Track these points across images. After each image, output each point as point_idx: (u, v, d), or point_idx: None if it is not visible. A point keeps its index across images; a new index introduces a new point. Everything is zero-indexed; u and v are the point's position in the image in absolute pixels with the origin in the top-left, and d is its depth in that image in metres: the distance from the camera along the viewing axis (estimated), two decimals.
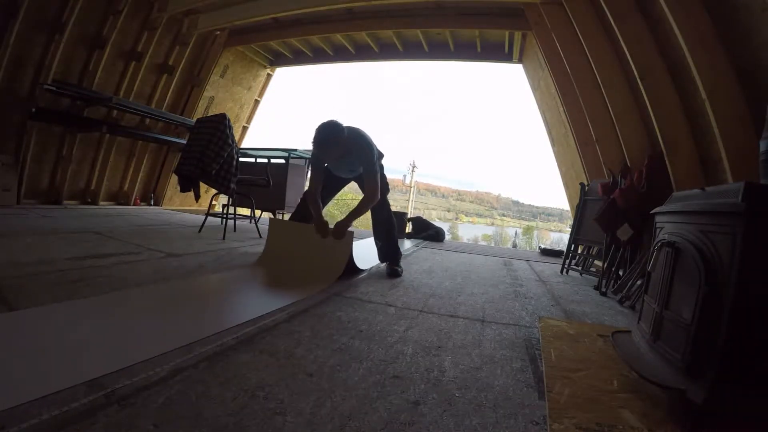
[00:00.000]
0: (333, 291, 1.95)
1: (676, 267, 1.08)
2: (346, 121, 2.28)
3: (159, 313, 1.39)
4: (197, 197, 3.48)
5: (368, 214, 2.62)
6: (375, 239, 2.62)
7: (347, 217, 2.30)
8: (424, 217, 5.58)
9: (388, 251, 2.57)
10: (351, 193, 2.89)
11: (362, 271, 2.46)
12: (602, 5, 2.80)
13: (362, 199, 2.33)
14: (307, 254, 2.29)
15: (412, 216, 5.54)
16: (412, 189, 43.30)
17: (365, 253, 3.10)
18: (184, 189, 3.34)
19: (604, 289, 2.57)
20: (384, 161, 2.62)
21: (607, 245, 2.79)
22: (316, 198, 2.35)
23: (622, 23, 2.70)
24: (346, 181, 2.63)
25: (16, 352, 0.98)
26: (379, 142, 2.55)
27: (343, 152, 2.24)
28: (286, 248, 2.40)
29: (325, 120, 2.22)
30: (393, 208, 2.76)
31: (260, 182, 3.71)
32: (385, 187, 2.57)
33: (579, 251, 3.49)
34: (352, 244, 2.27)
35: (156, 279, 1.84)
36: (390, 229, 2.55)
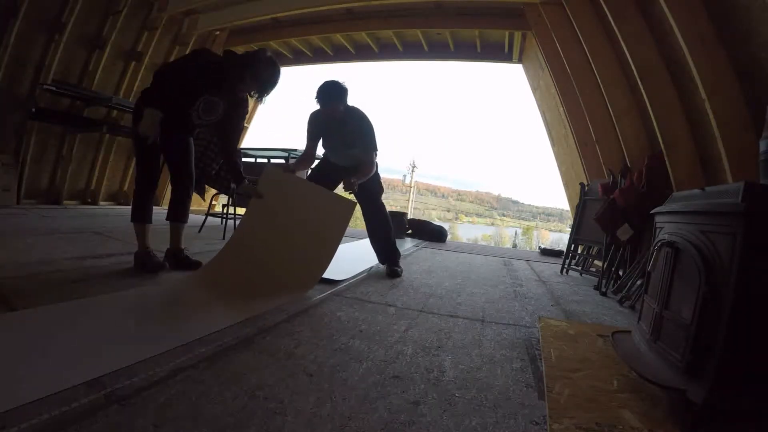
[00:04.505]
0: (333, 291, 1.95)
1: (676, 267, 1.08)
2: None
3: (159, 313, 1.39)
4: (202, 194, 3.49)
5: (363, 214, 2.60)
6: (372, 242, 2.59)
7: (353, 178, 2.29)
8: (423, 218, 5.59)
9: (387, 252, 2.56)
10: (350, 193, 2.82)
11: (339, 282, 2.19)
12: (602, 5, 2.80)
13: (359, 169, 2.31)
14: (301, 219, 2.04)
15: (411, 218, 5.55)
16: (411, 189, 43.32)
17: (362, 253, 3.09)
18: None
19: (604, 289, 2.57)
20: (383, 161, 2.60)
21: (607, 245, 2.79)
22: (303, 160, 2.43)
23: (622, 23, 2.70)
24: (343, 172, 2.49)
25: (16, 352, 0.98)
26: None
27: (344, 115, 2.25)
28: (277, 208, 2.10)
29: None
30: (393, 208, 2.75)
31: None
32: (379, 187, 2.56)
33: (579, 251, 3.50)
34: (351, 212, 2.08)
35: (156, 279, 1.84)
36: (387, 230, 2.53)
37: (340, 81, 2.22)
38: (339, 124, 2.29)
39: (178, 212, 2.09)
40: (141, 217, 2.03)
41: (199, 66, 1.89)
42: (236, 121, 2.11)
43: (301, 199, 2.10)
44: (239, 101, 2.05)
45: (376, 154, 2.36)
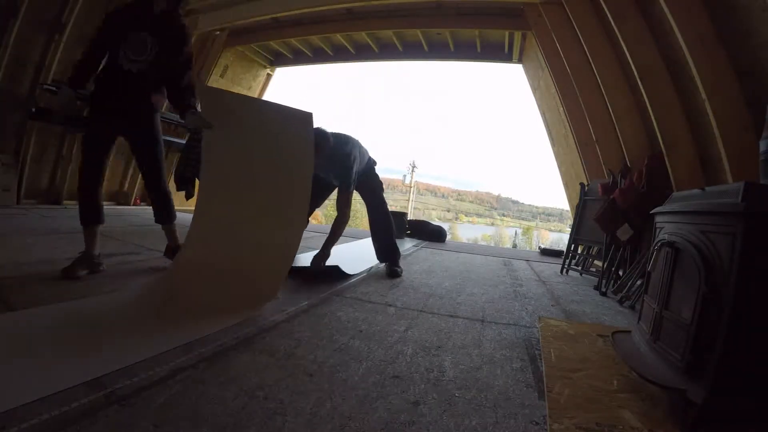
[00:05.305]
0: (333, 291, 1.95)
1: (676, 267, 1.08)
2: (337, 128, 2.27)
3: (158, 313, 1.39)
4: (189, 196, 3.47)
5: (366, 213, 2.60)
6: (373, 240, 2.61)
7: (323, 246, 2.25)
8: (423, 218, 5.59)
9: (388, 251, 2.56)
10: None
11: (350, 276, 2.24)
12: (602, 5, 2.80)
13: (334, 222, 2.29)
14: (263, 154, 1.71)
15: (410, 219, 5.55)
16: (411, 189, 43.28)
17: (363, 253, 3.09)
18: (180, 188, 3.36)
19: (604, 289, 2.57)
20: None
21: (607, 245, 2.79)
22: None
23: (622, 23, 2.70)
24: (331, 186, 2.46)
25: (16, 352, 0.98)
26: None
27: (323, 162, 2.11)
28: (234, 153, 1.71)
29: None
30: (393, 208, 2.74)
31: None
32: (379, 185, 2.57)
33: (579, 251, 3.49)
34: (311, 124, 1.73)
35: (156, 279, 1.83)
36: (388, 228, 2.54)
37: (319, 128, 2.04)
38: (320, 164, 2.11)
39: (163, 216, 2.11)
40: (86, 218, 1.85)
41: (106, 17, 1.84)
42: (177, 58, 1.87)
43: (255, 125, 1.75)
44: (170, 30, 1.85)
45: (353, 185, 2.29)
